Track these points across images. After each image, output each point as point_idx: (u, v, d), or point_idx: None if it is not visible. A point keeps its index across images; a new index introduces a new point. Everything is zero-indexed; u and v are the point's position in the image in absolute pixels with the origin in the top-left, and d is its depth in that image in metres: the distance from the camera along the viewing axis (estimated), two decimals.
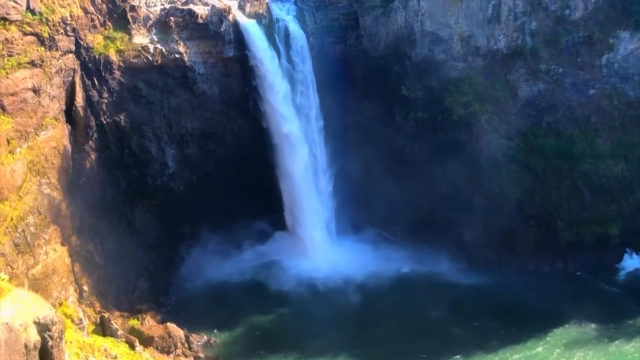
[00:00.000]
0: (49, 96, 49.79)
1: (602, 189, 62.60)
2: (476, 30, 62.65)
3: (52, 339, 23.72)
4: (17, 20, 46.68)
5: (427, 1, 62.51)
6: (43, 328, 23.42)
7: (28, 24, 47.72)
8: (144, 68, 58.22)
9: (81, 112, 54.21)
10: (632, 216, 62.18)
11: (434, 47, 63.52)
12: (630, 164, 62.62)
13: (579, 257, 60.99)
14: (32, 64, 47.98)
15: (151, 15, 58.74)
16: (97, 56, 55.21)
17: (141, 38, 58.17)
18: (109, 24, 56.38)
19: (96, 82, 55.53)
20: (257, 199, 61.03)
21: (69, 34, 51.91)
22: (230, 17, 60.97)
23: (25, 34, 47.47)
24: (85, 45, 54.22)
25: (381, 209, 63.51)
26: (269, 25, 62.59)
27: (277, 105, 62.90)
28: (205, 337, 52.42)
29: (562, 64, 62.76)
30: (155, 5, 59.58)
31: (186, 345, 50.58)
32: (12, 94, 45.90)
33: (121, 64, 56.75)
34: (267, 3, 63.14)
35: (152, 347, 48.68)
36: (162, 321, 53.28)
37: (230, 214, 61.15)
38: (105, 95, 56.38)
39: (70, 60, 52.70)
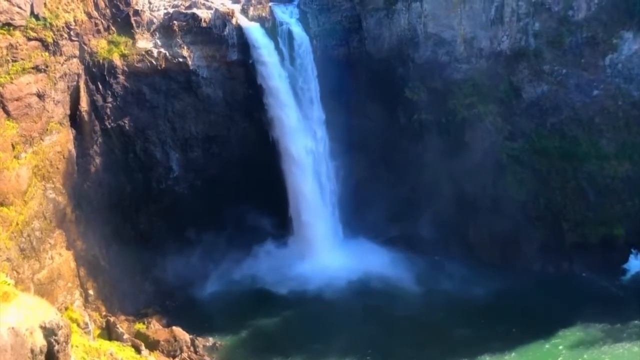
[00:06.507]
0: (54, 101, 49.91)
1: (607, 189, 62.31)
2: (479, 31, 62.58)
3: (58, 344, 23.72)
4: (21, 26, 46.78)
5: (430, 3, 62.45)
6: (49, 332, 23.41)
7: (32, 29, 47.76)
8: (147, 72, 58.31)
9: (86, 116, 54.39)
10: (638, 217, 61.80)
11: (438, 49, 63.49)
12: (635, 164, 62.31)
13: (584, 258, 60.65)
14: (37, 69, 48.07)
15: (155, 20, 58.89)
16: (101, 61, 55.31)
17: (145, 42, 58.30)
18: (113, 28, 56.54)
19: (100, 86, 55.67)
20: (261, 203, 61.09)
21: (73, 39, 52.03)
22: (234, 21, 61.06)
23: (29, 39, 47.55)
24: (89, 50, 54.36)
25: (385, 210, 63.45)
26: (272, 28, 62.64)
27: (281, 108, 62.96)
28: (211, 341, 52.45)
29: (566, 65, 62.59)
30: (158, 10, 59.69)
31: (192, 348, 50.68)
32: (17, 99, 46.03)
33: (125, 68, 56.87)
34: (270, 6, 63.24)
35: (158, 351, 48.79)
36: (168, 325, 53.33)
37: (235, 217, 61.19)
38: (110, 99, 56.52)
39: (75, 65, 52.80)
